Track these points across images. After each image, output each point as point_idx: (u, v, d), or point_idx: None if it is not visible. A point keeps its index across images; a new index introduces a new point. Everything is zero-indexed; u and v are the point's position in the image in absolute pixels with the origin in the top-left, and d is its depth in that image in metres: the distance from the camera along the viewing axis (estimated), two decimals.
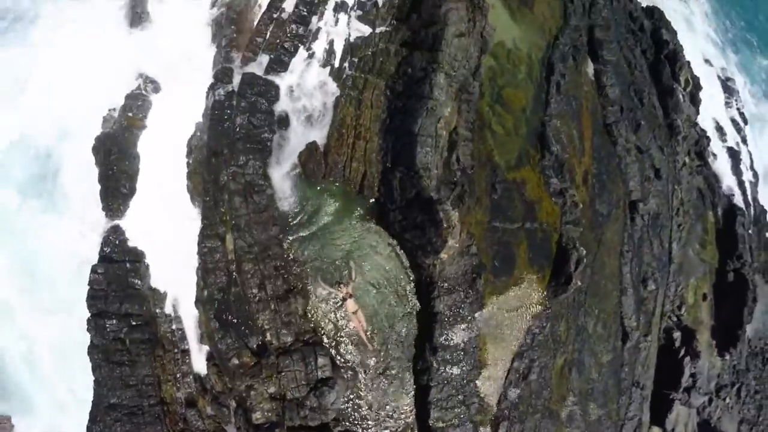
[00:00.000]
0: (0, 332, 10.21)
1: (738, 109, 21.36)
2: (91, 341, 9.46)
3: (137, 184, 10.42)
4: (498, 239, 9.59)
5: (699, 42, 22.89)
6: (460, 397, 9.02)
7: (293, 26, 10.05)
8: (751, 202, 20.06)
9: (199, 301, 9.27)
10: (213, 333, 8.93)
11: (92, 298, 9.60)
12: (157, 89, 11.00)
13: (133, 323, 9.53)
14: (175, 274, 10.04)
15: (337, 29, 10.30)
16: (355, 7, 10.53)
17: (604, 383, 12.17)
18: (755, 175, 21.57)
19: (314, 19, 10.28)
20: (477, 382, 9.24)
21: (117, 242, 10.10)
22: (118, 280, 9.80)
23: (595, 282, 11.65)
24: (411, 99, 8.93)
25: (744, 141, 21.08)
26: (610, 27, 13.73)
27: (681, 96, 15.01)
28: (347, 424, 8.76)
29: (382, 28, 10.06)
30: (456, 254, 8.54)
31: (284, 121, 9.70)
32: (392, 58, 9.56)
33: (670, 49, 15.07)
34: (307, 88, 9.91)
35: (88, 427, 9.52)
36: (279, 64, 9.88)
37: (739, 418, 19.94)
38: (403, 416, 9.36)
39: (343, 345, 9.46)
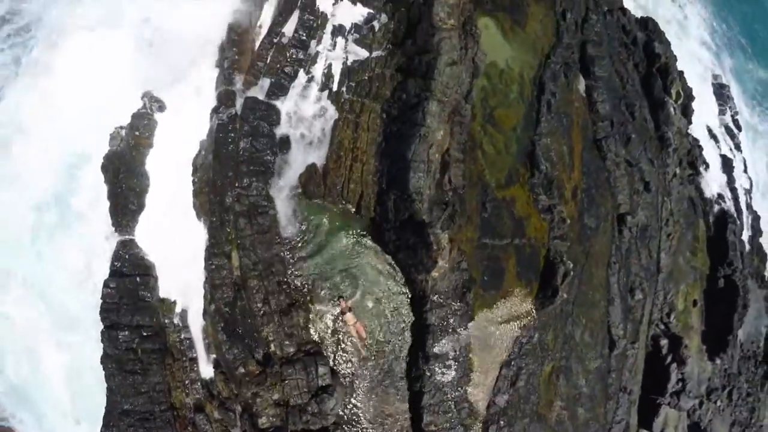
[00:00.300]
0: (13, 350, 11.10)
1: (732, 116, 22.19)
2: (105, 351, 10.46)
3: (145, 201, 11.38)
4: (487, 255, 10.54)
5: (694, 48, 23.71)
6: (451, 402, 10.04)
7: (293, 51, 10.93)
8: (744, 209, 21.00)
9: (206, 314, 10.25)
10: (220, 344, 9.93)
11: (105, 311, 10.59)
12: (162, 108, 11.86)
13: (144, 334, 10.52)
14: (182, 286, 11.03)
15: (335, 53, 11.16)
16: (353, 31, 11.40)
17: (591, 389, 13.19)
18: (750, 181, 22.49)
19: (313, 43, 11.14)
20: (467, 388, 10.26)
21: (127, 257, 11.06)
22: (129, 294, 10.78)
23: (583, 293, 12.61)
24: (405, 124, 9.85)
25: (738, 148, 21.94)
26: (602, 43, 14.51)
27: (672, 109, 15.83)
28: (346, 428, 9.80)
29: (379, 53, 10.94)
30: (447, 271, 9.50)
31: (285, 144, 10.62)
32: (388, 83, 10.45)
33: (662, 63, 15.85)
34: (306, 111, 10.80)
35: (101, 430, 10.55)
36: (279, 89, 10.77)
37: (731, 421, 21.02)
38: (398, 420, 10.42)
39: (342, 354, 10.50)
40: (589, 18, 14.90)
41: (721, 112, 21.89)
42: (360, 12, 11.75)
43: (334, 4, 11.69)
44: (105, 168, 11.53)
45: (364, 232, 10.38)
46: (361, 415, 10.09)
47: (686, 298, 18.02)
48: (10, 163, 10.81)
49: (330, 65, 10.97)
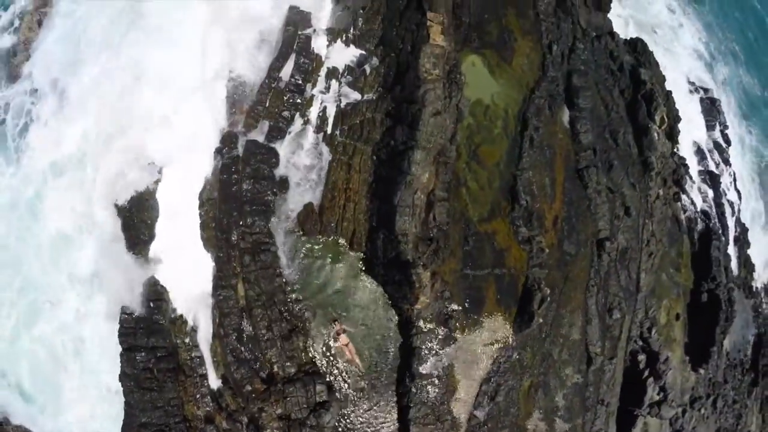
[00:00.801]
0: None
1: (722, 130, 23.44)
2: (123, 371, 12.19)
3: (155, 231, 12.95)
4: (469, 284, 12.11)
5: (687, 58, 24.79)
6: (434, 415, 11.76)
7: (289, 95, 12.34)
8: (729, 222, 22.43)
9: (216, 336, 11.93)
10: (229, 364, 11.64)
11: (123, 335, 12.31)
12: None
13: (159, 354, 12.24)
14: (192, 309, 12.71)
15: (329, 96, 12.54)
16: (346, 74, 12.77)
17: (569, 401, 14.90)
18: (738, 194, 23.90)
19: (308, 86, 12.52)
20: (450, 403, 11.96)
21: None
22: (144, 318, 12.47)
23: (561, 315, 14.19)
24: (393, 169, 11.34)
25: (727, 162, 23.25)
26: (588, 72, 15.73)
27: (656, 134, 17.11)
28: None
29: (370, 96, 12.32)
30: (431, 300, 11.08)
31: (284, 184, 12.19)
32: (378, 127, 11.90)
33: (647, 89, 17.07)
34: (303, 153, 12.28)
35: None
36: (278, 132, 12.26)
37: (715, 428, 22.88)
38: (388, 427, 12.18)
39: (337, 372, 12.20)
40: (576, 47, 16.10)
41: (711, 127, 23.15)
42: (353, 53, 13.08)
43: (328, 46, 13.04)
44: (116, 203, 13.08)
45: (357, 265, 11.99)
46: (354, 426, 11.84)
47: (669, 312, 19.60)
48: (41, 226, 12.31)
49: (325, 108, 12.40)
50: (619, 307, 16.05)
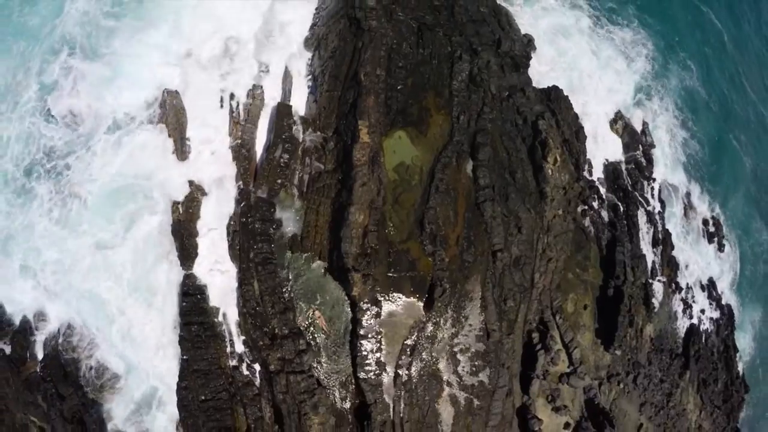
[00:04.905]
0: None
1: (644, 151, 38.48)
2: (182, 336, 29.20)
3: (199, 250, 29.74)
4: (392, 281, 28.30)
5: (634, 75, 40.00)
6: (372, 360, 28.21)
7: (279, 170, 28.59)
8: (646, 230, 37.68)
9: (240, 314, 28.67)
10: (249, 330, 28.36)
11: (183, 315, 29.32)
12: (203, 193, 30.03)
13: (205, 326, 29.18)
14: (224, 298, 29.59)
15: (304, 168, 28.76)
16: (314, 153, 28.91)
17: (473, 363, 31.02)
18: (662, 204, 39.17)
19: (292, 162, 28.73)
20: (381, 354, 28.37)
21: (190, 284, 29.66)
22: (194, 305, 29.44)
23: (462, 302, 30.17)
24: (340, 215, 27.50)
25: (648, 179, 38.38)
26: (489, 132, 31.03)
27: (549, 171, 32.40)
28: (315, 373, 28.20)
29: (329, 167, 28.48)
30: (364, 291, 27.37)
31: (279, 223, 28.69)
32: (333, 189, 28.18)
33: (542, 137, 32.34)
34: (290, 204, 28.63)
35: (177, 383, 29.48)
36: (274, 192, 28.72)
37: (640, 401, 38.96)
38: (345, 371, 28.79)
39: (313, 333, 28.87)
40: (484, 112, 31.44)
41: (634, 149, 38.19)
42: (319, 136, 29.23)
43: (303, 133, 29.19)
44: (173, 232, 29.90)
45: (326, 269, 28.44)
46: (324, 367, 28.48)
47: (576, 303, 35.50)
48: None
49: (302, 177, 28.63)
50: (513, 298, 31.85)
